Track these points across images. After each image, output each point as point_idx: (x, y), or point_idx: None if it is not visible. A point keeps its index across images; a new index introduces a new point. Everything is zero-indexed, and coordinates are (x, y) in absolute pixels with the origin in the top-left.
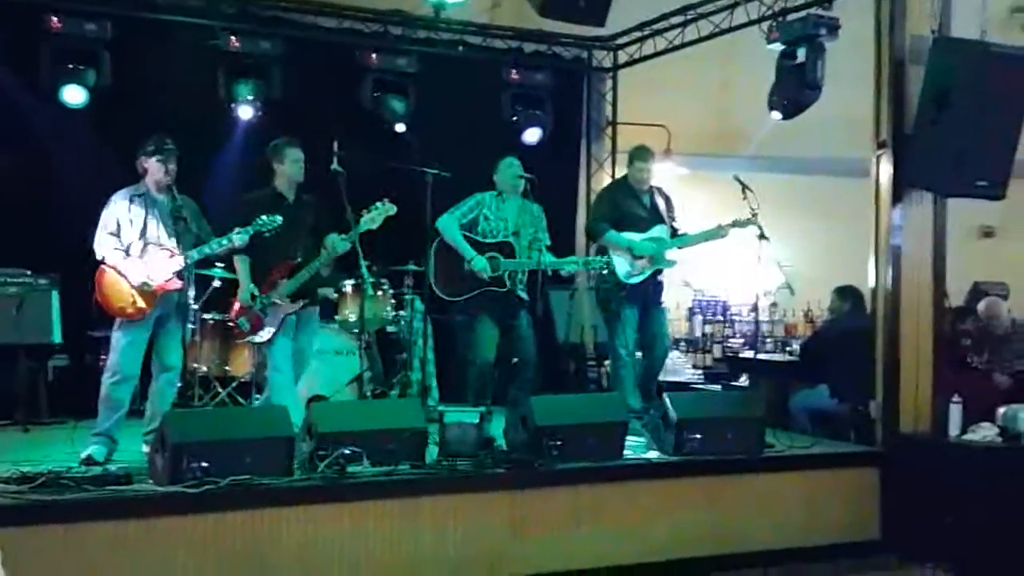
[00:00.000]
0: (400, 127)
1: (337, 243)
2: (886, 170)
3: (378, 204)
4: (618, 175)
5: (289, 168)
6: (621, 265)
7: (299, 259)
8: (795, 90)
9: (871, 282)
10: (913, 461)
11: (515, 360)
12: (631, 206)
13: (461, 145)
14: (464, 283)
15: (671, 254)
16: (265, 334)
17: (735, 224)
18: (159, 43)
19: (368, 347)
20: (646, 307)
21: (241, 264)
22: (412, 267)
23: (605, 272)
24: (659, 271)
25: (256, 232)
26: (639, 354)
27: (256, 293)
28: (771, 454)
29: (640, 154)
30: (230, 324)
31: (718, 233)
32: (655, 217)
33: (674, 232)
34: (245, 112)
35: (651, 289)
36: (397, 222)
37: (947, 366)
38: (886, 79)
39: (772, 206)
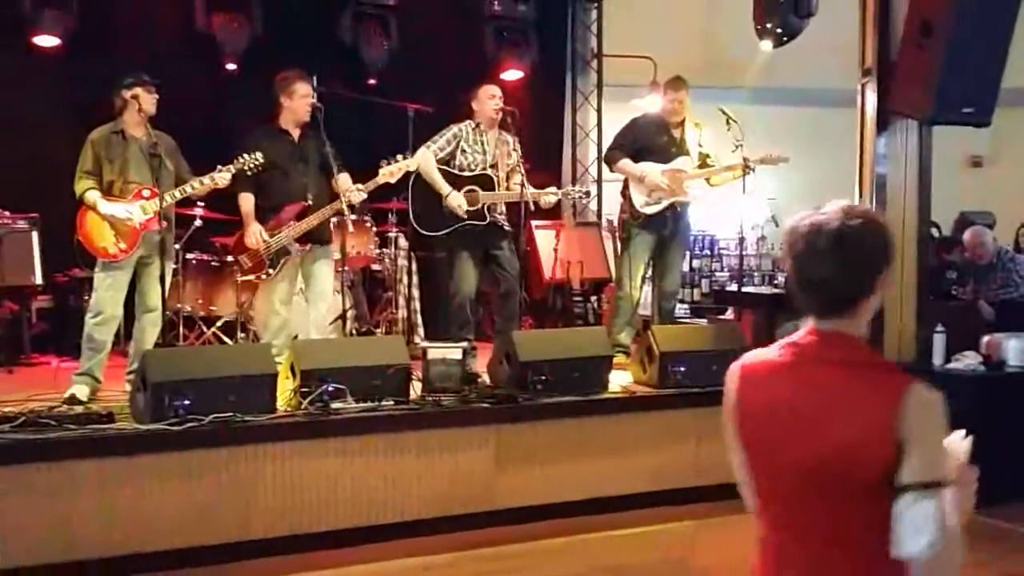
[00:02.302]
0: (381, 62)
1: (353, 195)
2: (871, 99)
3: (399, 157)
4: (605, 109)
5: (297, 103)
6: (637, 195)
7: (310, 199)
8: (786, 18)
9: None
10: None
11: (500, 292)
12: (656, 137)
13: (443, 80)
14: (443, 217)
15: (690, 189)
16: (267, 274)
17: (763, 161)
18: None
19: (352, 285)
20: (663, 240)
21: (245, 202)
22: (395, 204)
23: (585, 199)
24: (681, 205)
25: (238, 170)
26: (647, 288)
27: (263, 234)
28: None
29: (671, 84)
30: (227, 262)
31: (743, 170)
32: (683, 150)
33: (703, 167)
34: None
35: (670, 222)
36: (379, 158)
37: (932, 295)
38: (872, 4)
39: (759, 138)
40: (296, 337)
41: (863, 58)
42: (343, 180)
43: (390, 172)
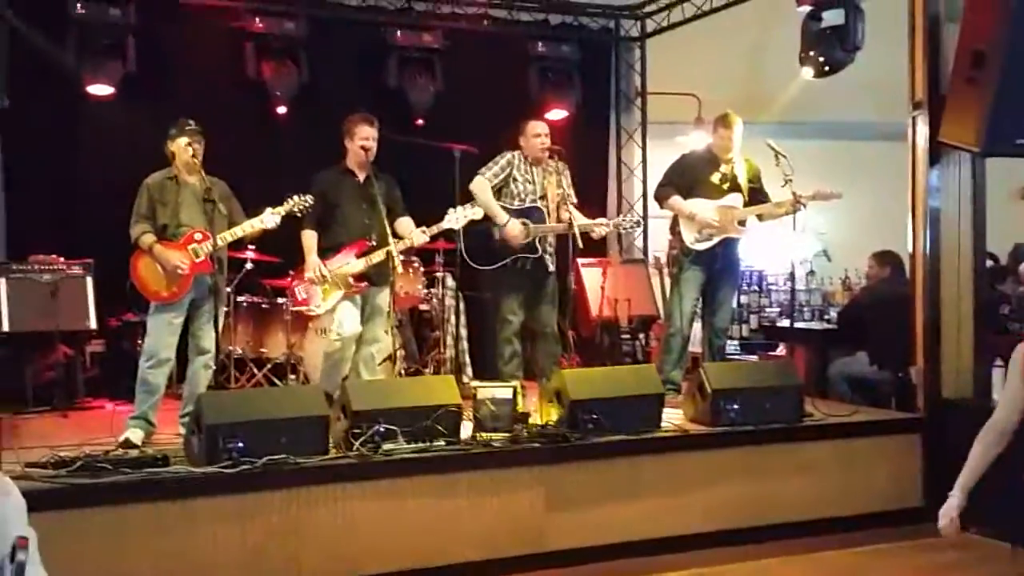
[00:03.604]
0: (427, 104)
1: (416, 235)
2: (922, 131)
3: (467, 206)
4: (649, 146)
5: (354, 146)
6: (687, 231)
7: (373, 240)
8: (831, 50)
9: (910, 246)
10: (955, 427)
11: (541, 330)
12: (706, 173)
13: (488, 121)
14: (494, 252)
15: (742, 225)
16: (317, 308)
17: (815, 197)
18: (183, 25)
19: (400, 325)
20: (714, 276)
21: (307, 239)
22: (442, 245)
23: (635, 229)
24: (731, 241)
25: (288, 212)
26: (697, 325)
27: (321, 268)
28: (810, 423)
29: (722, 120)
30: (276, 304)
31: (794, 206)
32: (734, 186)
33: (753, 203)
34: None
35: (720, 257)
36: (426, 200)
37: (988, 329)
38: (921, 37)
39: (807, 173)
40: (346, 378)
41: (913, 91)
42: (404, 223)
43: (456, 219)
